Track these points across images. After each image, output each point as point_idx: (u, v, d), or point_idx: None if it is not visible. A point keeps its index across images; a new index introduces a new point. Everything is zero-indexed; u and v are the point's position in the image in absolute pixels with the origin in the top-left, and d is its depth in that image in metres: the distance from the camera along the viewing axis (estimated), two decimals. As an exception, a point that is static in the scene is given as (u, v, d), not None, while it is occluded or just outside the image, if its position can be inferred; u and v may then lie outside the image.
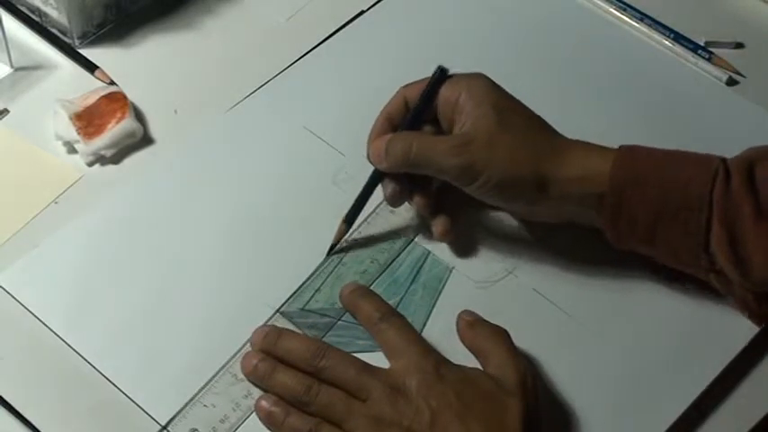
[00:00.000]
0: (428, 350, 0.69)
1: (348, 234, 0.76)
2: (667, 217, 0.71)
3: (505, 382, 0.67)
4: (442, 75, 0.75)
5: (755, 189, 0.70)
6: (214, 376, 0.70)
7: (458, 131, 0.74)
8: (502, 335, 0.70)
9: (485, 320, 0.72)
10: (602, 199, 0.71)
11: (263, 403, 0.68)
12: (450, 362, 0.69)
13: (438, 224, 0.77)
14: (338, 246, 0.76)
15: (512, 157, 0.72)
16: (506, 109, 0.74)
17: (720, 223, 0.69)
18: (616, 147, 0.73)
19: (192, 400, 0.69)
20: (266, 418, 0.68)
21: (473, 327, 0.71)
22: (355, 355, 0.71)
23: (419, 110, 0.75)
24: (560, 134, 0.75)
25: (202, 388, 0.70)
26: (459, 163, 0.72)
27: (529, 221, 0.78)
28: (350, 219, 0.76)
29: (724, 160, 0.72)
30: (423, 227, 0.79)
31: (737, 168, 0.71)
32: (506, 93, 0.75)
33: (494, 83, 0.75)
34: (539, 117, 0.75)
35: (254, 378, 0.69)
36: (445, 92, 0.75)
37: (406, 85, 0.77)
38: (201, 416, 0.69)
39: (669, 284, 0.76)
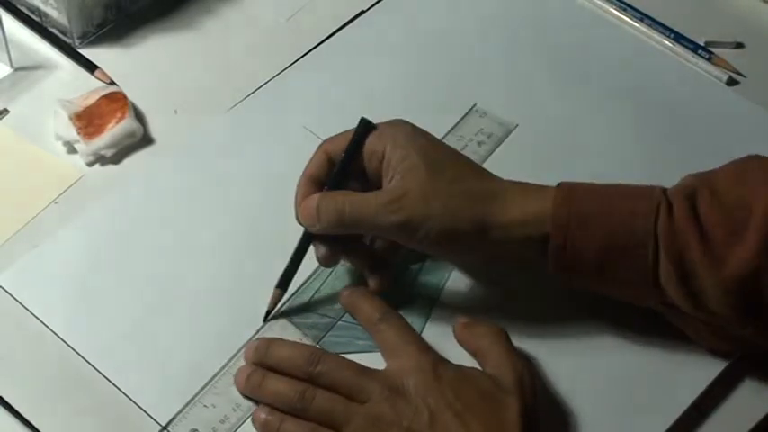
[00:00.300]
0: (426, 350, 0.69)
1: (282, 300, 0.74)
2: (614, 254, 0.68)
3: (503, 381, 0.67)
4: (365, 128, 0.73)
5: (698, 218, 0.67)
6: (214, 377, 0.70)
7: (387, 185, 0.71)
8: (499, 334, 0.70)
9: (481, 321, 0.72)
10: (546, 241, 0.69)
11: (259, 413, 0.68)
12: (449, 361, 0.69)
13: (373, 281, 0.74)
14: (274, 312, 0.73)
15: (448, 206, 0.69)
16: (435, 156, 0.71)
17: (668, 257, 0.67)
18: (555, 183, 0.71)
19: (192, 400, 0.69)
20: (261, 428, 0.68)
21: (469, 327, 0.71)
22: (355, 355, 0.71)
23: (344, 165, 0.72)
24: (493, 175, 0.72)
25: (202, 388, 0.70)
26: (396, 220, 0.69)
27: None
28: (283, 284, 0.73)
29: (665, 191, 0.69)
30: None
31: (679, 199, 0.68)
32: (432, 138, 0.72)
33: (418, 129, 0.72)
34: (469, 160, 0.73)
35: (247, 391, 0.69)
36: (369, 145, 0.72)
37: (327, 140, 0.74)
38: (202, 416, 0.69)
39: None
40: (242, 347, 0.72)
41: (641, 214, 0.68)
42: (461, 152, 0.74)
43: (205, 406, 0.69)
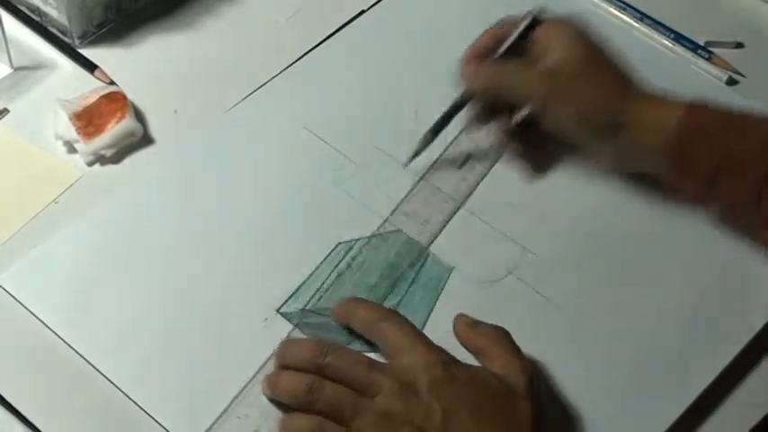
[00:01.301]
0: (434, 347, 0.69)
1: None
2: (728, 167, 0.72)
3: (514, 384, 0.66)
4: (533, 21, 0.79)
5: None
6: (245, 387, 0.70)
7: (544, 65, 0.76)
8: (504, 335, 0.70)
9: (483, 321, 0.72)
10: (668, 146, 0.73)
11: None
12: (458, 360, 0.68)
13: (511, 146, 0.80)
14: (419, 154, 0.79)
15: (596, 91, 0.75)
16: (596, 51, 0.77)
17: None
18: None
19: (224, 412, 0.69)
20: (280, 424, 0.67)
21: (473, 327, 0.71)
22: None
23: (510, 45, 0.78)
24: (649, 88, 0.77)
25: (234, 398, 0.70)
26: (545, 89, 0.75)
27: (527, 222, 0.78)
28: (435, 130, 0.79)
29: None
30: (423, 228, 0.79)
31: None
32: (599, 39, 0.78)
33: (587, 28, 0.78)
34: (628, 68, 0.78)
35: (267, 392, 0.69)
36: (537, 33, 0.78)
37: (503, 20, 0.81)
38: (235, 428, 0.68)
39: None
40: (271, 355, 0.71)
41: (758, 126, 0.74)
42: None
43: (238, 417, 0.69)
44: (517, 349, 0.69)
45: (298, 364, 0.68)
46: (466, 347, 0.71)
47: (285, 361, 0.69)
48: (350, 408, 0.65)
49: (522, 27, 0.79)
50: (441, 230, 0.78)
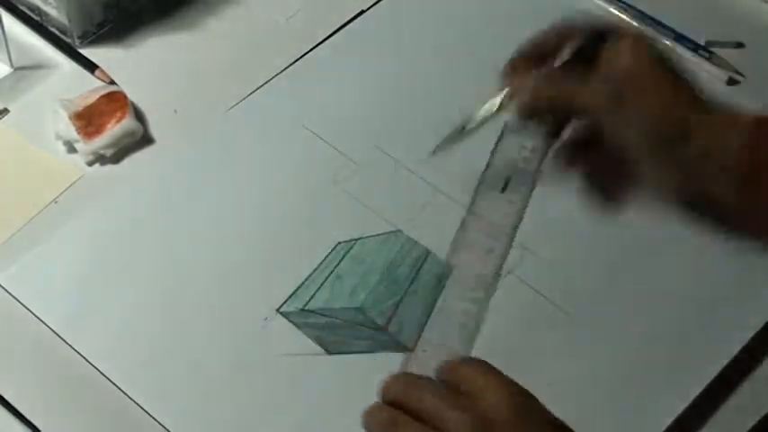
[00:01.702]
0: (513, 388, 0.64)
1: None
2: None
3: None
4: (600, 36, 0.72)
5: None
6: None
7: (609, 72, 0.70)
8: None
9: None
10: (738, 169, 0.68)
11: None
12: (537, 401, 0.65)
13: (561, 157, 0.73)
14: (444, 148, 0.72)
15: (663, 102, 0.69)
16: (662, 61, 0.71)
17: None
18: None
19: None
20: None
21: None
22: (356, 355, 0.71)
23: (572, 57, 0.72)
24: (718, 105, 0.72)
25: None
26: (610, 101, 0.69)
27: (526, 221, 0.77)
28: (467, 130, 0.73)
29: None
30: (423, 228, 0.79)
31: None
32: (666, 51, 0.72)
33: (652, 41, 0.72)
34: (696, 82, 0.72)
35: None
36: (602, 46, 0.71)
37: (561, 24, 0.73)
38: None
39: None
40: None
41: None
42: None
43: None
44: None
45: (388, 398, 0.64)
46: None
47: (381, 397, 0.65)
48: None
49: (580, 42, 0.72)
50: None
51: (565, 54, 0.72)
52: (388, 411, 0.64)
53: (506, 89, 0.72)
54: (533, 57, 0.73)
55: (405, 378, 0.65)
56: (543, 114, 0.72)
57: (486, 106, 0.73)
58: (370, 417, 0.64)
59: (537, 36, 0.74)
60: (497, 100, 0.72)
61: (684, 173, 0.71)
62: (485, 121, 0.73)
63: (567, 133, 0.73)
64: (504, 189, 0.77)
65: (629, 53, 0.71)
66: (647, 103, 0.69)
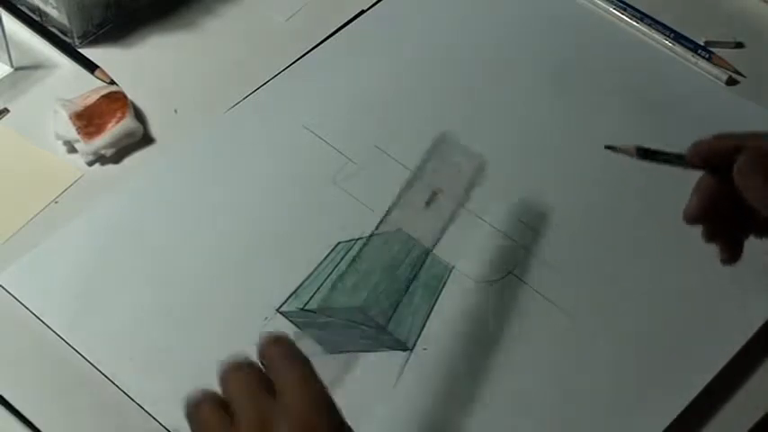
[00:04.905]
0: (317, 395, 0.61)
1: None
2: None
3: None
4: None
5: None
6: None
7: None
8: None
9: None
10: None
11: None
12: (338, 409, 0.62)
13: (724, 254, 0.70)
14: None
15: None
16: None
17: None
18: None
19: None
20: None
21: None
22: (356, 355, 0.71)
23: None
24: None
25: None
26: None
27: (527, 221, 0.77)
28: (648, 156, 0.69)
29: None
30: (423, 228, 0.79)
31: None
32: None
33: None
34: None
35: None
36: None
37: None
38: None
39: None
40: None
41: None
42: None
43: None
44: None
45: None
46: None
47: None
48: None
49: None
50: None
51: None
52: (199, 391, 0.63)
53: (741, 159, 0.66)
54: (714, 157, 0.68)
55: (232, 360, 0.64)
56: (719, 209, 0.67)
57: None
58: (190, 396, 0.63)
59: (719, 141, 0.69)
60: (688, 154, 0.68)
61: None
62: (677, 160, 0.69)
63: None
64: (428, 204, 0.77)
65: None
66: None
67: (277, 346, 0.64)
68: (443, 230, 0.77)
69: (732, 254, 0.70)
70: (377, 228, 0.76)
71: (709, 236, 0.70)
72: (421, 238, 0.77)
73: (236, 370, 0.64)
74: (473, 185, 0.80)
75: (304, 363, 0.63)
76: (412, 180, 0.80)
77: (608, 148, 0.69)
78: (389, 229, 0.77)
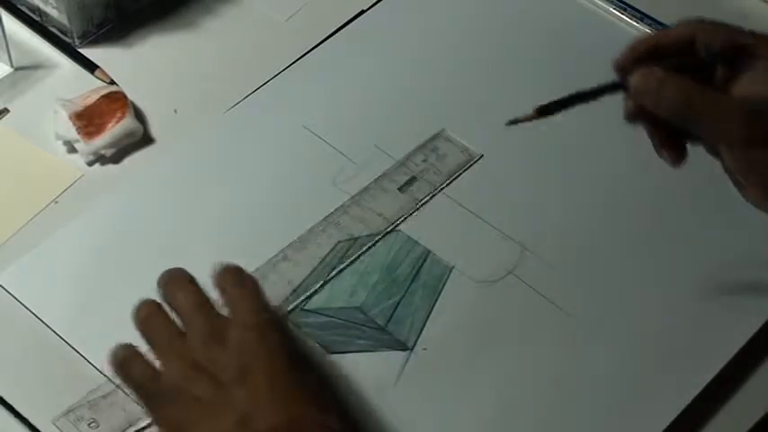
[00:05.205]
0: (261, 308, 0.65)
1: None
2: None
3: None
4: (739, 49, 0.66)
5: None
6: None
7: (747, 88, 0.64)
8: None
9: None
10: None
11: None
12: (285, 324, 0.66)
13: (667, 154, 0.67)
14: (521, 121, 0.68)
15: None
16: None
17: None
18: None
19: None
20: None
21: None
22: (355, 355, 0.71)
23: (710, 64, 0.65)
24: None
25: None
26: (746, 135, 0.62)
27: (527, 221, 0.77)
28: (546, 109, 0.67)
29: None
30: (423, 228, 0.79)
31: None
32: None
33: None
34: None
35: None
36: (758, 50, 0.65)
37: (696, 21, 0.68)
38: None
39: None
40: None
41: None
42: None
43: None
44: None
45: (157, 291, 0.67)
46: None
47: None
48: (164, 341, 0.64)
49: (715, 51, 0.66)
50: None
51: (703, 53, 0.66)
52: (150, 304, 0.66)
53: (634, 78, 0.66)
54: (655, 50, 0.67)
55: (173, 272, 0.68)
56: (666, 114, 0.65)
57: (604, 84, 0.68)
58: (137, 308, 0.67)
59: (662, 31, 0.67)
60: (611, 83, 0.68)
61: None
62: (596, 94, 0.68)
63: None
64: (402, 189, 0.76)
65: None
66: None
67: (227, 272, 0.68)
68: (412, 212, 0.78)
69: (675, 155, 0.67)
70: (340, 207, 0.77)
71: (653, 136, 0.68)
72: (390, 218, 0.78)
73: (182, 285, 0.67)
74: (457, 173, 0.81)
75: (252, 283, 0.67)
76: (393, 167, 0.80)
77: (510, 123, 0.68)
78: (357, 211, 0.78)
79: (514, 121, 0.68)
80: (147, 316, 0.66)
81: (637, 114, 0.67)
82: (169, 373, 0.63)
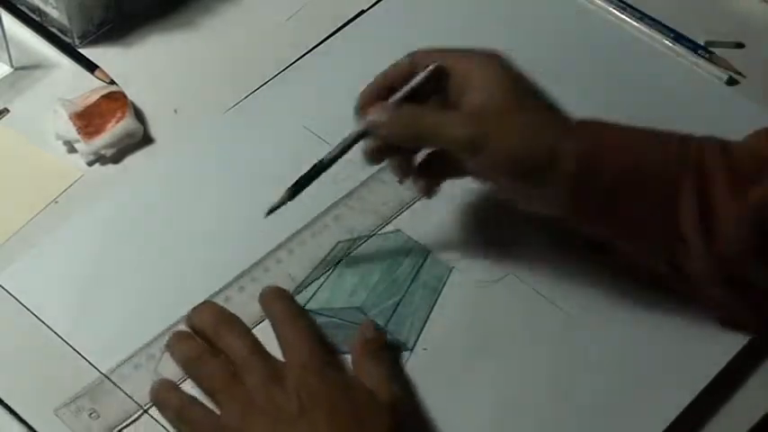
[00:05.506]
0: (318, 350, 0.69)
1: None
2: (633, 181, 0.68)
3: (381, 401, 0.66)
4: (436, 69, 0.72)
5: (728, 153, 0.69)
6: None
7: (468, 105, 0.71)
8: (385, 359, 0.70)
9: (379, 340, 0.71)
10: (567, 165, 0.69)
11: (155, 382, 0.69)
12: (339, 364, 0.69)
13: (417, 186, 0.75)
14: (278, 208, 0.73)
15: (525, 131, 0.69)
16: (521, 86, 0.71)
17: (693, 189, 0.68)
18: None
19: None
20: (153, 394, 0.69)
21: (364, 345, 0.71)
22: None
23: (414, 88, 0.72)
24: (571, 117, 0.72)
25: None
26: (470, 135, 0.69)
27: (527, 221, 0.77)
28: (295, 189, 0.73)
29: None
30: (423, 228, 0.79)
31: (709, 139, 0.70)
32: (521, 71, 0.72)
33: (509, 60, 0.72)
34: (552, 98, 0.73)
35: (169, 352, 0.70)
36: (457, 65, 0.72)
37: (416, 52, 0.73)
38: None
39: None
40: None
41: (667, 143, 0.70)
42: None
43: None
44: (393, 374, 0.69)
45: (201, 327, 0.70)
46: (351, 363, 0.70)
47: (192, 323, 0.71)
48: (220, 385, 0.67)
49: (428, 70, 0.72)
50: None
51: (409, 85, 0.72)
52: (196, 344, 0.69)
53: (363, 121, 0.72)
54: (383, 93, 0.73)
55: (217, 312, 0.71)
56: (405, 144, 0.72)
57: (343, 139, 0.73)
58: (177, 342, 0.70)
59: (389, 68, 0.74)
60: (353, 133, 0.73)
61: (548, 197, 0.71)
62: (341, 153, 0.73)
63: (418, 157, 0.74)
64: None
65: (481, 75, 0.70)
66: (509, 137, 0.69)
67: (280, 301, 0.72)
68: (411, 204, 0.79)
69: (425, 186, 0.75)
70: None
71: (400, 170, 0.74)
72: (391, 209, 0.79)
73: (233, 328, 0.70)
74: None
75: (305, 320, 0.71)
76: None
77: (270, 213, 0.72)
78: (357, 204, 0.79)
79: (273, 210, 0.73)
80: (197, 356, 0.69)
81: (380, 152, 0.73)
82: (229, 415, 0.66)
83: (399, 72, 0.73)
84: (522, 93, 0.71)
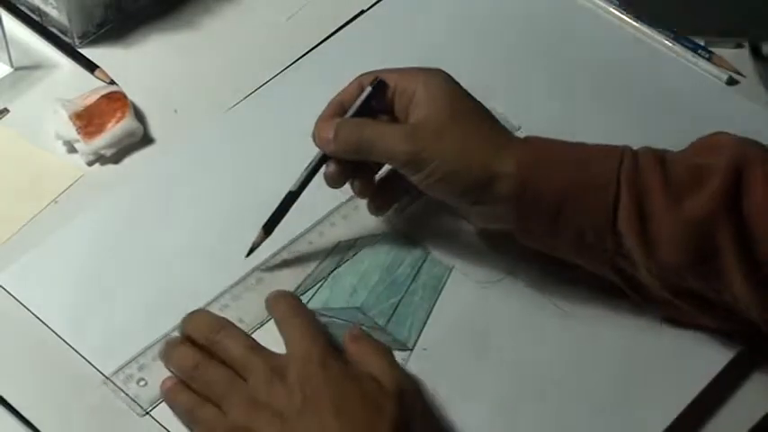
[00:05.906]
0: (320, 342, 0.68)
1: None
2: (574, 196, 0.69)
3: (386, 388, 0.66)
4: (380, 84, 0.74)
5: (664, 164, 0.70)
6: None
7: (412, 121, 0.73)
8: (385, 350, 0.70)
9: (370, 336, 0.71)
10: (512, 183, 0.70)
11: (167, 381, 0.69)
12: (342, 357, 0.69)
13: (372, 205, 0.77)
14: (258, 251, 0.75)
15: (462, 148, 0.71)
16: (461, 103, 0.73)
17: (630, 199, 0.69)
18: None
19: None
20: (165, 395, 0.69)
21: (357, 340, 0.71)
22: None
23: (369, 96, 0.74)
24: (512, 134, 0.74)
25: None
26: (408, 149, 0.71)
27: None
28: (274, 220, 0.75)
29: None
30: (423, 227, 0.79)
31: (645, 149, 0.71)
32: (463, 89, 0.74)
33: (452, 78, 0.74)
34: (493, 116, 0.74)
35: (161, 358, 0.71)
36: (402, 83, 0.74)
37: (365, 74, 0.76)
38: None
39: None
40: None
41: (605, 157, 0.70)
42: None
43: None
44: (396, 364, 0.69)
45: (196, 338, 0.70)
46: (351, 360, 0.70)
47: (187, 332, 0.71)
48: (222, 390, 0.67)
49: (367, 91, 0.74)
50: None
51: (354, 105, 0.74)
52: (192, 352, 0.70)
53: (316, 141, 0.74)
54: (339, 111, 0.75)
55: (209, 319, 0.71)
56: (351, 159, 0.74)
57: (307, 165, 0.74)
58: (172, 351, 0.70)
59: (340, 91, 0.76)
60: (315, 157, 0.75)
61: (491, 213, 0.72)
62: (308, 179, 0.75)
63: (377, 174, 0.76)
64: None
65: (423, 91, 0.72)
66: (446, 153, 0.70)
67: (284, 301, 0.72)
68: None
69: (378, 204, 0.77)
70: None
71: (361, 190, 0.76)
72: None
73: (229, 332, 0.70)
74: None
75: (307, 313, 0.71)
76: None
77: (249, 254, 0.74)
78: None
79: (252, 251, 0.74)
80: (194, 365, 0.69)
81: (339, 175, 0.74)
82: (235, 415, 0.66)
83: (349, 93, 0.75)
84: (463, 110, 0.72)
